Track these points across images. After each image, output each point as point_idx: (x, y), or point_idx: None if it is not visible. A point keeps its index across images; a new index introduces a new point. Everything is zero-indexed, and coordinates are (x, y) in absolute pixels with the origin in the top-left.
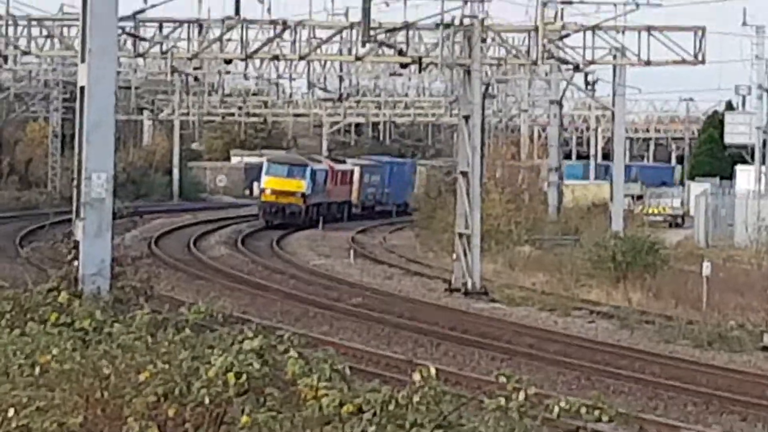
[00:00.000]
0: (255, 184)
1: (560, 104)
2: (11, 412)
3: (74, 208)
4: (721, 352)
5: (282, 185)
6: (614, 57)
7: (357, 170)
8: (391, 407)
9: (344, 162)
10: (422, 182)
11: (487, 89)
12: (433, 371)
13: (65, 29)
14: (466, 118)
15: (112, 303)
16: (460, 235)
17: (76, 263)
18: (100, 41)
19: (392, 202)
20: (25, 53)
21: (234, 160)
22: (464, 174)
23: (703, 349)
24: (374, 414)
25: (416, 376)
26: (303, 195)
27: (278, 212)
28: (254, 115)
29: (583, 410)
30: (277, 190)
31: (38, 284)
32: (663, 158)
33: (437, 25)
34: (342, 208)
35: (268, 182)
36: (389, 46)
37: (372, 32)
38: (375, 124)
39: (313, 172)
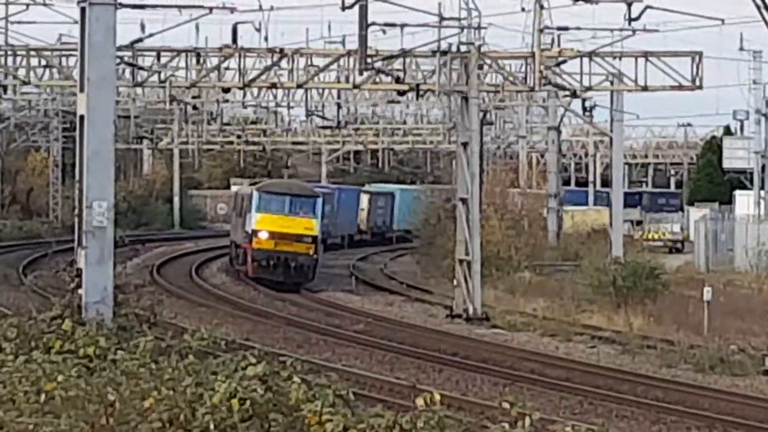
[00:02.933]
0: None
1: (558, 130)
2: None
3: (76, 237)
4: (723, 376)
5: (284, 226)
6: (611, 83)
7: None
8: None
9: None
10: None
11: (484, 116)
12: (436, 396)
13: (64, 59)
14: (465, 144)
15: (116, 330)
16: (461, 261)
17: (79, 291)
18: (99, 71)
19: (339, 234)
20: (25, 83)
21: (233, 188)
22: (463, 200)
23: (705, 373)
24: None
25: (420, 402)
26: (314, 240)
27: (278, 266)
28: (253, 143)
29: None
30: (278, 233)
31: (42, 312)
32: (662, 184)
33: (434, 53)
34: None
35: (261, 221)
36: (386, 74)
37: (369, 60)
38: (374, 152)
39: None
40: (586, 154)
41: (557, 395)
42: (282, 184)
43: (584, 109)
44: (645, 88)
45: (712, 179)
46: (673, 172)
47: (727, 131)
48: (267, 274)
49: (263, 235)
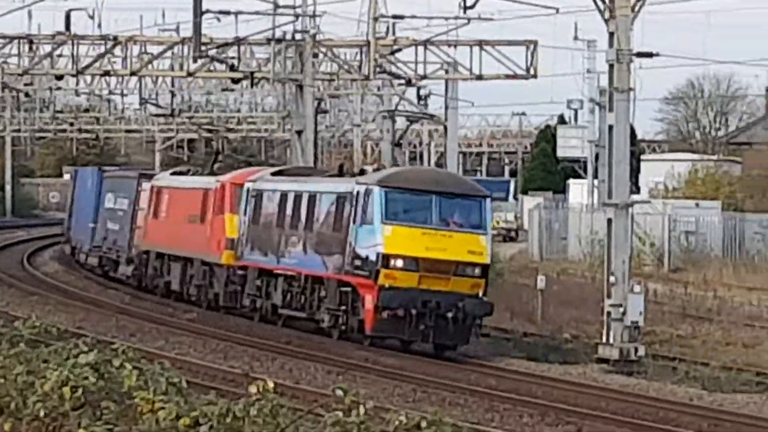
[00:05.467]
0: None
1: (393, 119)
2: None
3: None
4: (556, 364)
5: (434, 247)
6: (446, 71)
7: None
8: (228, 420)
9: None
10: None
11: (319, 104)
12: (269, 384)
13: None
14: (299, 132)
15: None
16: None
17: None
18: None
19: None
20: None
21: (66, 176)
22: None
23: (539, 361)
24: (211, 427)
25: (253, 389)
26: (485, 272)
27: (424, 318)
28: (86, 131)
29: (423, 424)
30: (425, 262)
31: None
32: (496, 172)
33: (269, 41)
34: None
35: (392, 240)
36: (221, 62)
37: (203, 47)
38: (208, 140)
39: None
40: (421, 143)
41: (391, 383)
42: (422, 175)
43: (419, 97)
44: (480, 77)
45: (546, 168)
46: (507, 161)
47: (561, 120)
48: (402, 332)
49: (398, 264)
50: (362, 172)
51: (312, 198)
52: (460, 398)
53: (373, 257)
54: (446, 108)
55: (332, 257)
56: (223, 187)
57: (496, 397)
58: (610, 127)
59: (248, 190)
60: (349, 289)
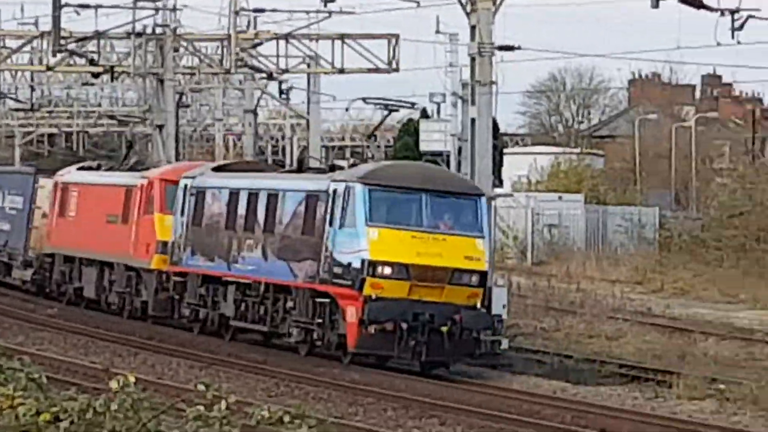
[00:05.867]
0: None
1: (255, 113)
2: None
3: None
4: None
5: (426, 252)
6: (308, 65)
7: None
8: (88, 415)
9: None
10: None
11: (180, 98)
12: (131, 379)
13: None
14: (160, 127)
15: None
16: None
17: None
18: None
19: None
20: None
21: None
22: None
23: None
24: (72, 422)
25: (113, 384)
26: (483, 280)
27: (415, 333)
28: None
29: (286, 418)
30: (417, 269)
31: None
32: None
33: (129, 34)
34: None
35: (379, 243)
36: (81, 56)
37: (63, 41)
38: (68, 135)
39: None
40: (284, 137)
41: (254, 378)
42: (409, 171)
43: (281, 91)
44: (341, 71)
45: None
46: (370, 155)
47: (424, 114)
48: (390, 348)
49: (386, 272)
50: (333, 168)
51: (273, 197)
52: (324, 392)
53: (356, 264)
54: (308, 102)
55: (302, 264)
56: (150, 184)
57: (359, 391)
58: (473, 121)
59: (186, 188)
60: (326, 300)
